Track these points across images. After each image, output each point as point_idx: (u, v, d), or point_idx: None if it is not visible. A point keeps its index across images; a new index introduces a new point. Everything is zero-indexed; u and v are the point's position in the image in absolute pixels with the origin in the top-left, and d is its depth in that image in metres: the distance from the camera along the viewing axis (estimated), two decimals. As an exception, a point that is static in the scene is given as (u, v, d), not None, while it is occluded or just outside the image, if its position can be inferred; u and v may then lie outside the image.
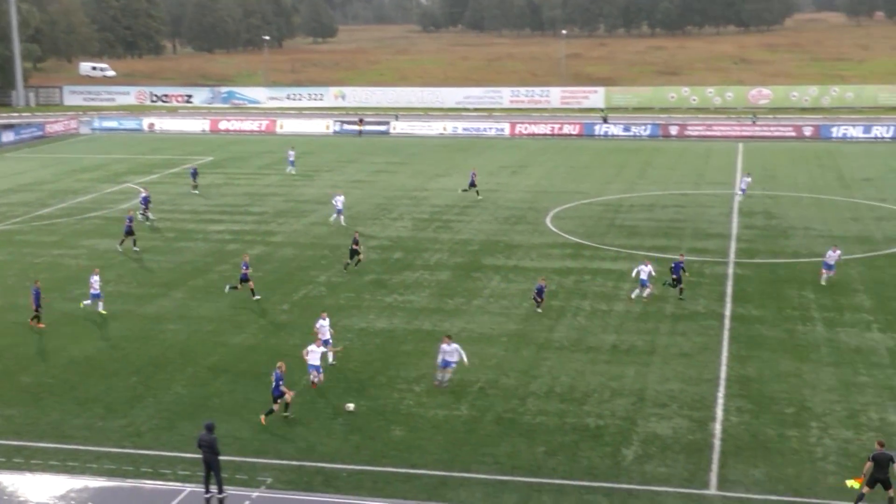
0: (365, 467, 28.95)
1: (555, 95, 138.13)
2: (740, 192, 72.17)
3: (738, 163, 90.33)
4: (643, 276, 46.04)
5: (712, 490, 27.38)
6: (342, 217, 64.29)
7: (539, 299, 44.62)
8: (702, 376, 36.21)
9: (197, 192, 76.83)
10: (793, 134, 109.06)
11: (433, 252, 56.65)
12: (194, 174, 78.62)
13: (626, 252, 55.73)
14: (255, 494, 27.36)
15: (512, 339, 40.92)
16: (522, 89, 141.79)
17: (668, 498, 26.90)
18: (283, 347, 40.04)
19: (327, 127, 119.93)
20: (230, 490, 27.37)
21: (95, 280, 44.73)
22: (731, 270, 51.43)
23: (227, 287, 47.60)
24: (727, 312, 44.10)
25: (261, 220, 65.85)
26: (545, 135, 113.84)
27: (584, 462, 29.18)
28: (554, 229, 62.44)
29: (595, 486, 27.61)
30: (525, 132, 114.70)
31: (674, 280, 46.34)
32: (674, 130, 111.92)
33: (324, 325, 37.74)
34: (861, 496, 26.04)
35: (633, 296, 46.04)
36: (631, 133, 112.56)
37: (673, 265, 46.90)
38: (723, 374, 36.45)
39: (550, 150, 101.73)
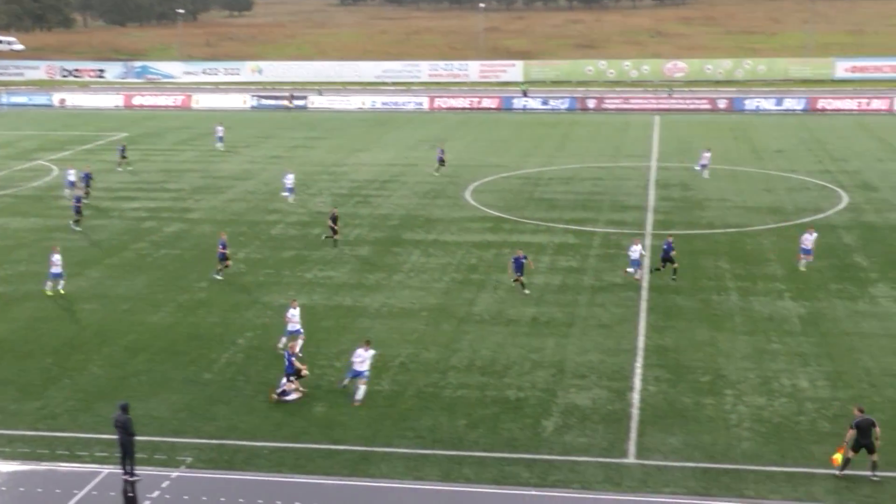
0: (286, 444, 28.84)
1: (473, 69, 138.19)
2: (700, 168, 70.51)
3: (655, 135, 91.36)
4: (634, 255, 44.60)
5: (631, 458, 27.80)
6: (292, 195, 63.39)
7: (518, 274, 42.85)
8: (620, 347, 36.67)
9: (128, 168, 75.44)
10: (707, 106, 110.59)
11: (353, 227, 56.43)
12: (122, 151, 77.21)
13: (546, 225, 56.08)
14: (174, 474, 27.10)
15: (433, 313, 41.00)
16: (441, 63, 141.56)
17: (587, 467, 27.26)
18: (202, 325, 39.65)
19: (244, 102, 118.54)
20: (149, 471, 27.07)
21: (57, 259, 43.72)
22: (648, 242, 52.04)
23: (214, 273, 46.53)
24: (644, 284, 44.66)
25: (177, 197, 64.96)
26: (464, 108, 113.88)
27: (505, 434, 29.41)
28: (474, 203, 62.57)
29: (516, 458, 27.85)
30: (444, 106, 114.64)
31: (664, 262, 44.88)
32: (591, 103, 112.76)
33: (294, 315, 36.21)
34: (847, 461, 26.57)
35: (628, 270, 45.13)
36: (549, 107, 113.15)
37: (664, 247, 45.15)
38: (641, 345, 36.96)
39: (470, 123, 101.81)
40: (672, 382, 33.28)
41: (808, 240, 47.00)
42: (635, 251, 45.05)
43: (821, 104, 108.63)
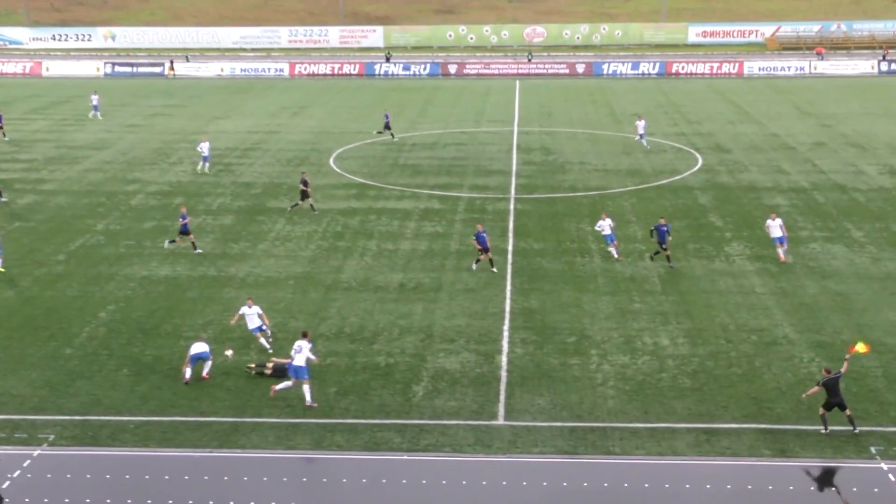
0: (153, 418, 28.31)
1: (334, 35, 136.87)
2: (640, 138, 67.71)
3: (516, 100, 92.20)
4: (606, 231, 43.36)
5: (500, 420, 28.16)
6: (208, 164, 61.31)
7: (484, 252, 40.95)
8: (487, 310, 37.04)
9: (3, 138, 72.38)
10: (566, 71, 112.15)
11: (215, 196, 55.49)
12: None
13: (411, 191, 56.14)
14: (36, 453, 26.34)
15: (299, 281, 40.69)
16: (301, 28, 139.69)
17: (458, 430, 27.50)
18: (61, 299, 38.52)
19: (98, 69, 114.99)
20: (8, 450, 26.25)
21: None
22: (512, 206, 52.62)
23: (167, 242, 44.85)
24: (510, 247, 45.17)
25: (30, 168, 62.72)
26: (325, 75, 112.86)
27: (376, 400, 29.45)
28: (338, 170, 62.20)
29: (387, 424, 27.93)
30: (305, 72, 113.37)
31: (662, 248, 41.83)
32: (453, 69, 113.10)
33: (250, 315, 33.25)
34: (825, 419, 27.23)
35: (610, 249, 43.34)
36: (411, 72, 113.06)
37: (657, 231, 41.90)
38: (507, 308, 37.39)
39: (331, 90, 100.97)
40: (538, 344, 33.80)
41: (774, 226, 42.51)
42: (604, 226, 43.29)
43: (675, 68, 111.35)
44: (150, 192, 56.76)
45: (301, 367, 29.17)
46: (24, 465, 25.81)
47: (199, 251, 44.09)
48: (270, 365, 31.20)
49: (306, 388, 29.19)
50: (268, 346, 33.20)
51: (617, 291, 39.23)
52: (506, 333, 34.82)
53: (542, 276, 41.16)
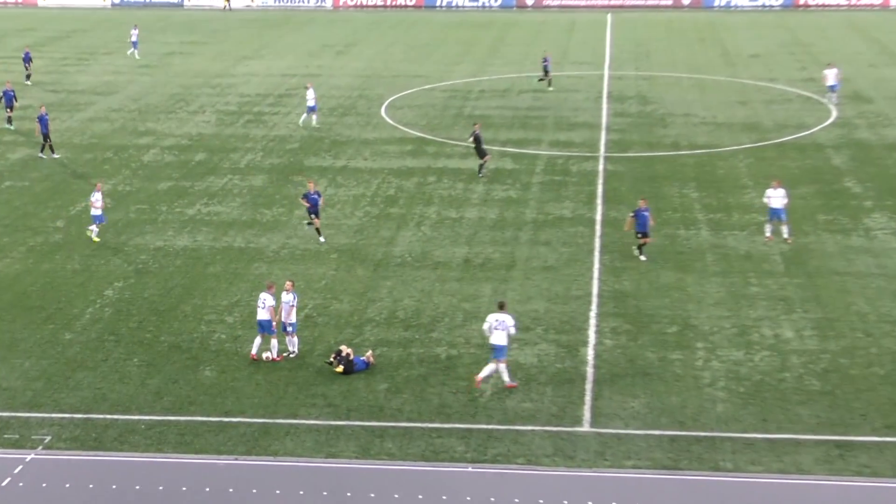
0: (168, 417, 28.52)
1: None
2: (831, 91, 64.92)
3: (608, 37, 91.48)
4: (776, 204, 41.32)
5: (585, 427, 27.98)
6: (315, 116, 61.11)
7: (644, 237, 39.53)
8: (570, 293, 36.83)
9: (28, 82, 73.49)
10: (669, 2, 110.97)
11: (244, 152, 55.76)
12: (27, 59, 74.84)
13: (478, 147, 56.06)
14: (29, 457, 26.67)
15: (344, 255, 40.77)
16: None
17: (534, 438, 27.39)
18: (60, 274, 38.98)
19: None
20: (-1, 453, 26.71)
21: (97, 199, 42.42)
22: (601, 167, 52.26)
23: (306, 224, 44.67)
24: (598, 217, 44.88)
25: (23, 116, 63.41)
26: (376, 6, 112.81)
27: (435, 400, 29.41)
28: (390, 121, 62.16)
29: (448, 429, 27.88)
30: (352, 3, 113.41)
31: (639, 236, 40.06)
32: (530, 0, 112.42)
33: (286, 303, 32.23)
34: None
35: (767, 233, 41.76)
36: (479, 4, 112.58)
37: (637, 216, 39.97)
38: (595, 290, 37.15)
39: (383, 24, 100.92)
40: (632, 335, 33.54)
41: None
42: (775, 196, 41.65)
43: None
44: (166, 146, 57.18)
45: (502, 345, 29.91)
46: (16, 471, 26.12)
47: (323, 241, 42.21)
48: (346, 352, 31.21)
49: (503, 367, 29.89)
50: (292, 347, 32.35)
51: (729, 272, 38.82)
52: (593, 321, 34.60)
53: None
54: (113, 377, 30.94)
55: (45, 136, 54.11)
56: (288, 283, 32.88)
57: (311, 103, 60.52)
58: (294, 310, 32.34)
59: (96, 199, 42.33)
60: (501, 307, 30.87)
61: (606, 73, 76.13)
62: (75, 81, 74.86)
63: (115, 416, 28.64)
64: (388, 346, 32.87)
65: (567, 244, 41.53)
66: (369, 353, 31.66)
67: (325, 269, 39.31)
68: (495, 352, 30.08)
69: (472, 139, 51.13)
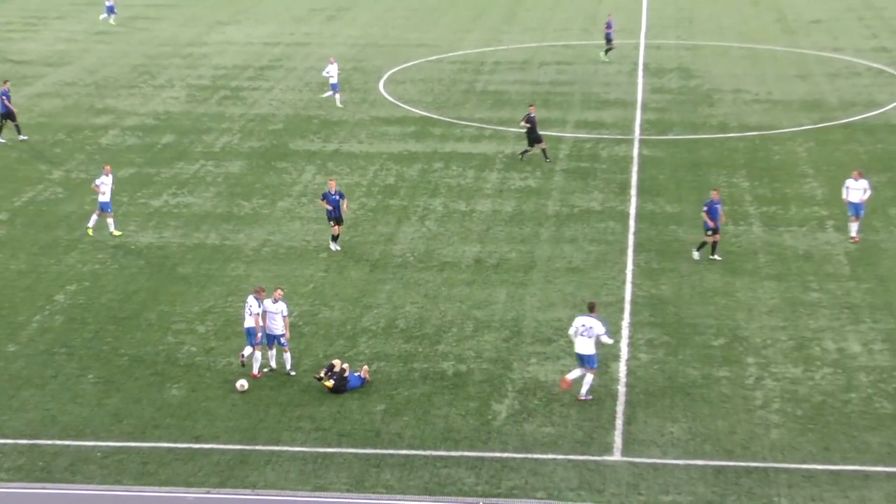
0: (129, 443, 28.48)
1: None
2: None
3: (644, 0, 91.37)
4: (856, 198, 41.24)
5: (616, 455, 27.93)
6: (339, 95, 61.01)
7: (713, 233, 39.47)
8: (599, 299, 36.49)
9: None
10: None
11: (219, 134, 55.78)
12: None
13: (492, 129, 55.98)
14: (-33, 489, 26.77)
15: (335, 255, 40.77)
16: None
17: (556, 468, 27.35)
18: (2, 275, 39.01)
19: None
20: (-68, 484, 26.73)
21: (105, 182, 42.51)
22: (636, 152, 52.21)
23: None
24: (632, 210, 44.86)
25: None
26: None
27: (440, 424, 29.37)
28: (390, 98, 62.15)
29: (456, 457, 27.83)
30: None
31: (709, 234, 39.99)
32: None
33: (274, 314, 32.13)
34: None
35: (853, 234, 41.54)
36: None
37: (710, 209, 39.76)
38: (628, 296, 37.15)
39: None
40: (672, 348, 33.51)
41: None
42: (855, 189, 41.28)
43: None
44: (128, 126, 57.23)
45: (589, 355, 30.42)
46: (-49, 504, 26.21)
47: (337, 249, 41.43)
48: (339, 367, 31.16)
49: (589, 377, 30.32)
50: (289, 366, 32.27)
51: (786, 275, 38.77)
52: (625, 332, 34.59)
53: (677, 250, 40.80)
54: (64, 396, 30.92)
55: (7, 116, 53.97)
56: (278, 290, 32.48)
57: (334, 80, 60.43)
58: (286, 321, 32.18)
59: (103, 182, 42.38)
60: (591, 309, 31.08)
61: (643, 41, 76.07)
62: (21, 50, 74.86)
63: (67, 442, 28.60)
64: (387, 360, 32.83)
65: (595, 242, 41.48)
66: (364, 367, 31.66)
67: (313, 271, 39.31)
68: (582, 361, 30.47)
69: (525, 122, 50.52)
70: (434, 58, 71.84)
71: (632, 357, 32.96)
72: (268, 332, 31.97)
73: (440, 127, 56.56)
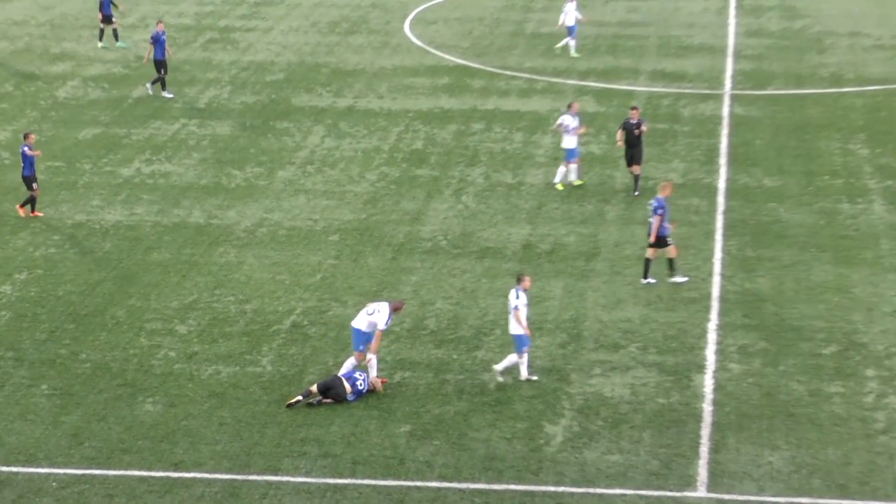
0: (92, 470, 28.54)
1: None
2: None
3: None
4: None
5: (701, 491, 27.86)
6: (574, 43, 60.70)
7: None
8: (679, 294, 36.75)
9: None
10: None
11: (204, 86, 55.93)
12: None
13: (545, 81, 55.96)
14: None
15: (349, 236, 40.84)
16: None
17: (625, 506, 27.47)
18: (-65, 261, 39.28)
19: None
20: None
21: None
22: (726, 110, 52.10)
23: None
24: (721, 184, 44.86)
25: None
26: None
27: (480, 449, 29.33)
28: (417, 42, 62.14)
29: (499, 491, 27.84)
30: None
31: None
32: None
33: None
34: None
35: None
36: None
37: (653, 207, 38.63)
38: (715, 291, 37.15)
39: None
40: (771, 357, 33.42)
41: None
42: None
43: None
44: (91, 76, 57.42)
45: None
46: None
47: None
48: (314, 390, 31.32)
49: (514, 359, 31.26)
50: (375, 379, 32.21)
51: (915, 265, 38.75)
52: (712, 336, 34.53)
53: (777, 235, 40.77)
54: (11, 412, 31.02)
55: None
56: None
57: (571, 23, 60.32)
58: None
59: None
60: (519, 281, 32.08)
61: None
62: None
63: (15, 469, 28.68)
64: (413, 370, 32.84)
65: (675, 223, 41.35)
66: (380, 380, 31.66)
67: (321, 258, 39.38)
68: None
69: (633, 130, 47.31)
70: (475, -9, 71.86)
71: (720, 368, 32.88)
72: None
73: (481, 78, 56.54)
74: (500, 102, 53.29)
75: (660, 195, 37.80)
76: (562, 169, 44.25)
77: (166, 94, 54.20)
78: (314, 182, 45.08)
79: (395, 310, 32.15)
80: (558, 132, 44.39)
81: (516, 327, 31.92)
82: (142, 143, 49.00)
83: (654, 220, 37.29)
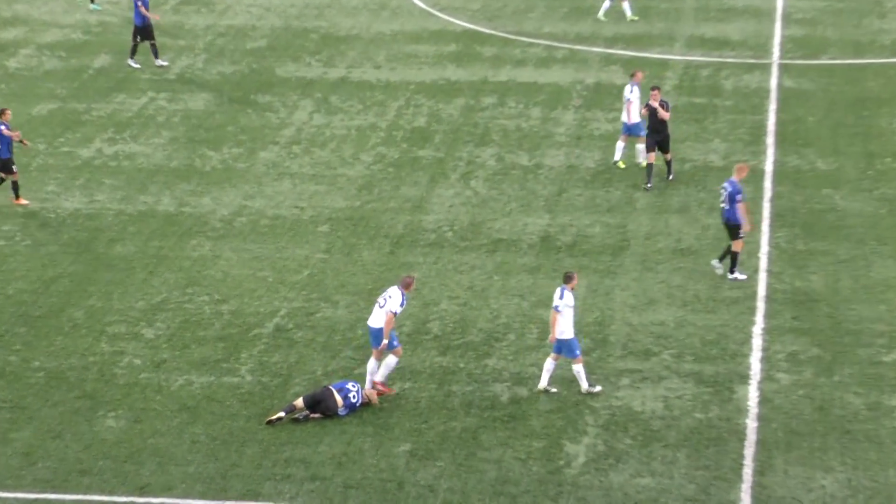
0: (47, 494, 28.61)
1: None
2: None
3: None
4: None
5: (744, 518, 28.03)
6: (628, 3, 60.86)
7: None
8: (719, 294, 36.81)
9: None
10: None
11: (175, 54, 55.94)
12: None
13: (566, 48, 55.95)
14: None
15: (340, 227, 40.88)
16: None
17: (657, 537, 27.49)
18: None
19: None
20: None
21: None
22: (774, 82, 52.09)
23: None
24: (769, 166, 44.94)
25: None
26: None
27: (491, 472, 29.37)
28: (421, 4, 62.14)
29: (513, 519, 27.97)
30: None
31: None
32: None
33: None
34: None
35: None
36: None
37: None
38: (761, 290, 37.22)
39: None
40: (824, 365, 33.44)
41: None
42: None
43: None
44: (46, 43, 57.45)
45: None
46: None
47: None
48: (299, 404, 31.34)
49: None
50: (370, 391, 32.50)
51: None
52: (757, 342, 34.55)
53: (832, 226, 40.82)
54: (-45, 428, 31.13)
55: None
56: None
57: None
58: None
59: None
60: (567, 280, 32.05)
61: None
62: None
63: (-41, 493, 28.84)
64: (414, 379, 32.86)
65: (715, 212, 41.27)
66: (373, 391, 31.69)
67: (308, 251, 39.42)
68: None
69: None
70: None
71: (766, 378, 32.90)
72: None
73: (493, 45, 56.60)
74: (515, 73, 53.34)
75: (734, 177, 37.90)
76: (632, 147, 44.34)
77: (132, 64, 54.27)
78: (301, 164, 45.13)
79: (405, 287, 32.25)
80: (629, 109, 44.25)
81: (562, 331, 31.71)
82: (104, 120, 49.08)
83: (740, 208, 37.34)
